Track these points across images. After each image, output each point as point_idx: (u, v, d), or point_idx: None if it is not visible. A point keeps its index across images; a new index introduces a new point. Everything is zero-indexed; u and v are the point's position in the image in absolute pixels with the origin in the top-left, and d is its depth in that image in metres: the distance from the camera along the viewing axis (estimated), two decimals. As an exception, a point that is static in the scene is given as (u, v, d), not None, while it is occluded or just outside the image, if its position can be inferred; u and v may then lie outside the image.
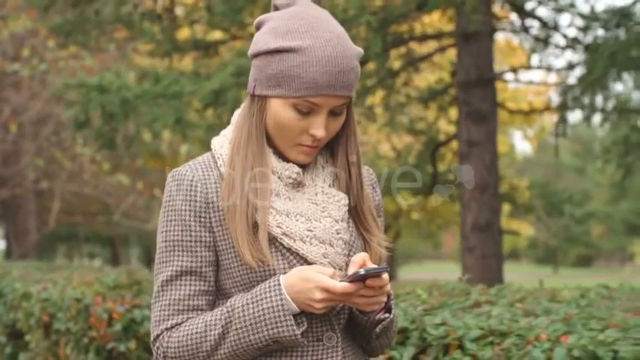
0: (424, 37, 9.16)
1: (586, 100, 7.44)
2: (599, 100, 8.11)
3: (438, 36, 9.43)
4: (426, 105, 10.36)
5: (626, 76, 8.03)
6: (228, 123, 2.03)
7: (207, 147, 2.33)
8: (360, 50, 1.91)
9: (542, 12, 36.02)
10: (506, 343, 2.66)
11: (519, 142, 76.28)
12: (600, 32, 8.25)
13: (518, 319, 2.87)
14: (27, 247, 17.76)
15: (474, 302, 3.37)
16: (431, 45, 10.29)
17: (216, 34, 10.58)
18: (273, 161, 1.92)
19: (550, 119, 20.21)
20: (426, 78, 13.23)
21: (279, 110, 1.87)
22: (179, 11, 10.21)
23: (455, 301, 3.35)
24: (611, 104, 8.48)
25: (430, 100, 10.22)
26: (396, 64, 9.53)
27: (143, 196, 17.62)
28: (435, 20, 10.70)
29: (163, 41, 9.25)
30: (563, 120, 9.25)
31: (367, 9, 7.36)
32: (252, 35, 7.03)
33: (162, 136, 12.61)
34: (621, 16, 7.55)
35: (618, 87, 14.41)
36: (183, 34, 10.84)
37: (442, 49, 9.67)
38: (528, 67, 10.29)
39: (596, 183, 38.33)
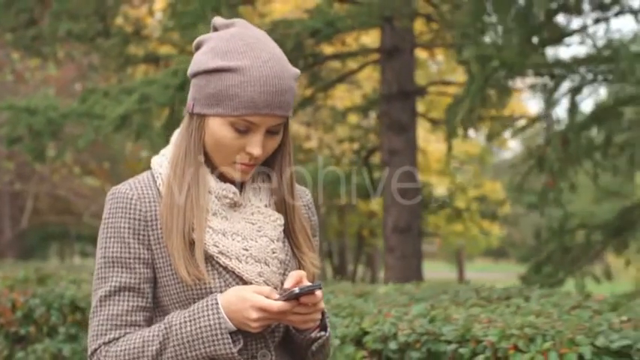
0: (351, 54, 9.90)
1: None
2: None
3: (365, 52, 10.15)
4: (365, 114, 11.09)
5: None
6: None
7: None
8: (296, 71, 1.95)
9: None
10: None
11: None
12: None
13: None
14: (2, 246, 18.51)
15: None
16: (360, 60, 10.99)
17: (166, 48, 11.29)
18: (211, 181, 1.95)
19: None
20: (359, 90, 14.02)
21: (217, 129, 1.89)
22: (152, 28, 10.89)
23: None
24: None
25: (366, 110, 10.94)
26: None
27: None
28: (363, 38, 11.42)
29: (115, 56, 9.93)
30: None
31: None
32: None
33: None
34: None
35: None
36: (135, 49, 11.52)
37: (367, 64, 10.39)
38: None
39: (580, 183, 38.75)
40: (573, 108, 5.16)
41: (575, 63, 4.99)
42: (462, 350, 2.76)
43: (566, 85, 5.19)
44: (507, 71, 4.52)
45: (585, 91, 5.12)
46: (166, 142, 6.28)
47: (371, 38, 10.95)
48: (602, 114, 5.06)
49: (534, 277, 6.32)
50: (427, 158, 19.20)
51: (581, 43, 5.48)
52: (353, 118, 12.74)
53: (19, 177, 17.81)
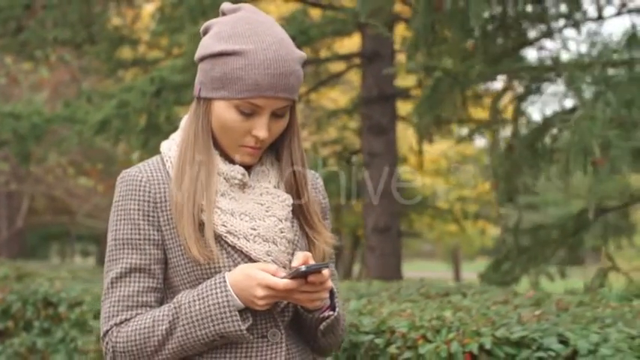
0: (335, 58, 10.17)
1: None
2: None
3: (348, 57, 10.41)
4: (351, 116, 11.34)
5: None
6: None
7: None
8: (302, 54, 1.96)
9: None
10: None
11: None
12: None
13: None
14: (-3, 245, 18.88)
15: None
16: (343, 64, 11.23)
17: (155, 53, 11.55)
18: (219, 162, 1.97)
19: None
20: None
21: (223, 112, 1.91)
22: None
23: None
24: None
25: (352, 112, 11.19)
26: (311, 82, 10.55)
27: (105, 198, 18.69)
28: (346, 43, 11.67)
29: (105, 60, 10.19)
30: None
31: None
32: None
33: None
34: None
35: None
36: (125, 53, 11.77)
37: (351, 68, 10.65)
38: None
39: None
40: (517, 115, 5.41)
41: (521, 70, 5.24)
42: (377, 340, 3.00)
43: (517, 92, 5.46)
44: (452, 81, 4.78)
45: (534, 98, 5.37)
46: (144, 144, 6.55)
47: (353, 43, 11.22)
48: (549, 121, 5.30)
49: (493, 275, 6.59)
50: (421, 159, 19.40)
51: (540, 49, 5.70)
52: (339, 121, 13.02)
53: (15, 177, 18.13)
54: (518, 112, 5.45)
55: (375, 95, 9.86)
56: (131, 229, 1.94)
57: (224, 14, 2.01)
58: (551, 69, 5.05)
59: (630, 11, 5.74)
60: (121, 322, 1.92)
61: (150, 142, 6.83)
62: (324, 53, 10.20)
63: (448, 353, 2.82)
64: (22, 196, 19.47)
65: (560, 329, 2.97)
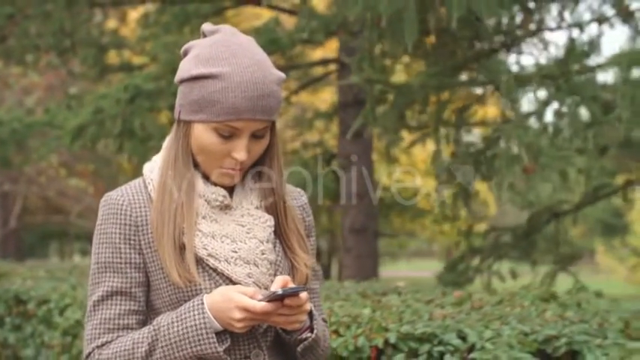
0: (313, 64, 10.49)
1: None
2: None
3: (325, 62, 10.72)
4: (331, 120, 11.65)
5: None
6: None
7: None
8: (280, 75, 1.96)
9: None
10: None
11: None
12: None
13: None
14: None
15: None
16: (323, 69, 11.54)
17: (141, 58, 11.84)
18: (200, 185, 1.97)
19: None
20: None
21: (202, 134, 1.92)
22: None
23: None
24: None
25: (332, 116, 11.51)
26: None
27: (96, 199, 18.99)
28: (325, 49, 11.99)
29: (92, 65, 10.47)
30: None
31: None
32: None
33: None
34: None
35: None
36: (111, 58, 12.04)
37: (329, 74, 10.97)
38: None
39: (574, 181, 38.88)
40: (459, 123, 5.68)
41: (458, 85, 5.51)
42: (295, 336, 3.31)
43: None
44: (397, 94, 5.05)
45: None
46: (120, 149, 6.86)
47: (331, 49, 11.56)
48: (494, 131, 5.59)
49: (448, 276, 6.85)
50: (412, 159, 19.68)
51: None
52: (320, 124, 13.34)
53: (8, 178, 18.44)
54: (460, 122, 5.73)
55: (350, 100, 10.14)
56: (112, 253, 1.95)
57: (204, 35, 2.02)
58: (490, 82, 5.34)
59: (570, 26, 6.00)
60: (102, 345, 1.94)
61: (124, 146, 7.13)
62: (302, 59, 10.50)
63: (355, 347, 3.12)
64: (16, 197, 19.78)
65: (461, 326, 3.27)
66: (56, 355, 4.85)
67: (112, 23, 11.53)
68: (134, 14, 12.27)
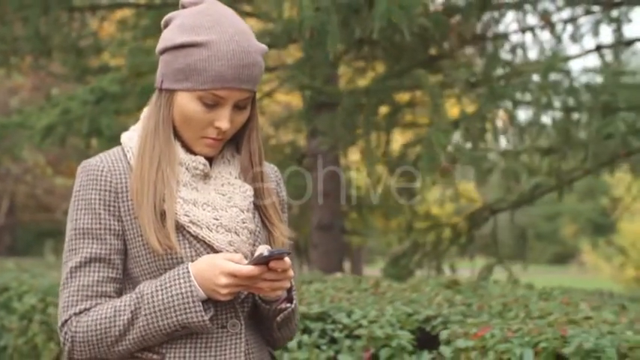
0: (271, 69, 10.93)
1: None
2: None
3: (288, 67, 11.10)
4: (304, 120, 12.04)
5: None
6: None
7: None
8: (263, 47, 1.97)
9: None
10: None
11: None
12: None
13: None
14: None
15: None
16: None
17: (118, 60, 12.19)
18: (181, 153, 1.97)
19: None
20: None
21: (186, 103, 1.92)
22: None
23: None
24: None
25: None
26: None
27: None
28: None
29: (72, 67, 10.83)
30: None
31: None
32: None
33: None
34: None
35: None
36: (92, 61, 12.34)
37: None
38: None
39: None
40: (389, 126, 6.10)
41: (388, 90, 5.93)
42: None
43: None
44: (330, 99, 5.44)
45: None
46: (87, 147, 7.34)
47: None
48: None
49: (392, 270, 7.24)
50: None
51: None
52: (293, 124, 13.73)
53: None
54: (390, 124, 6.14)
55: (319, 100, 10.53)
56: (92, 219, 1.93)
57: (184, 7, 2.02)
58: (417, 87, 5.75)
59: (495, 37, 6.40)
60: (80, 312, 1.91)
61: (92, 144, 7.53)
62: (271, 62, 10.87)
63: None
64: (2, 195, 20.14)
65: (353, 307, 3.70)
66: (14, 338, 5.28)
67: (93, 24, 11.87)
68: (115, 16, 12.63)
